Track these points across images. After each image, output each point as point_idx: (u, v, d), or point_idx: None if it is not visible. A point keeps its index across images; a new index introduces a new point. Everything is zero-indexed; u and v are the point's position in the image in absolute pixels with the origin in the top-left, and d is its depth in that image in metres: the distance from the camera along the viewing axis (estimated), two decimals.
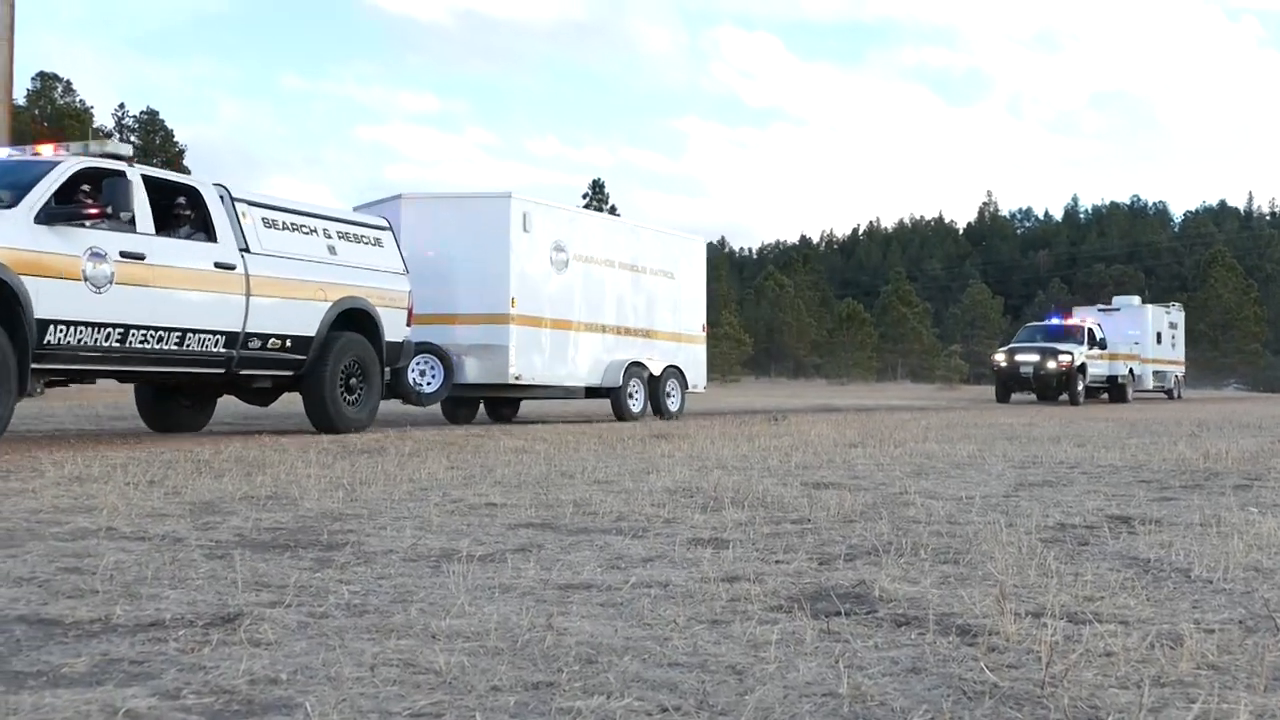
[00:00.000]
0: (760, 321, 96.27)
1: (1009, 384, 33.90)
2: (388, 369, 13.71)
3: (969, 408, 28.52)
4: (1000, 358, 34.54)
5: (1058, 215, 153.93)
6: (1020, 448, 10.81)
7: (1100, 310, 40.70)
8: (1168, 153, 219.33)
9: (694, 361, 20.51)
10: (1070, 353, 33.06)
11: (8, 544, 4.64)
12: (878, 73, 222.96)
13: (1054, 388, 33.19)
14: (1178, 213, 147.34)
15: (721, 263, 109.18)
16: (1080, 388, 33.14)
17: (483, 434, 12.97)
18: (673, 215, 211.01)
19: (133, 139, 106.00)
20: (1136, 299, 42.42)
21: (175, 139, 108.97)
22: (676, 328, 20.14)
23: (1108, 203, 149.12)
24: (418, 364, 15.33)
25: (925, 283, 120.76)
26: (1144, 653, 2.97)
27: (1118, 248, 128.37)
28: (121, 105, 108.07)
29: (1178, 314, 44.88)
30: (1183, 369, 43.78)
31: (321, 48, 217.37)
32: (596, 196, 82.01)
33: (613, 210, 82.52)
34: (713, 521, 5.48)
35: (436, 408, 18.12)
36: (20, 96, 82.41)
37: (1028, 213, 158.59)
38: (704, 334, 20.95)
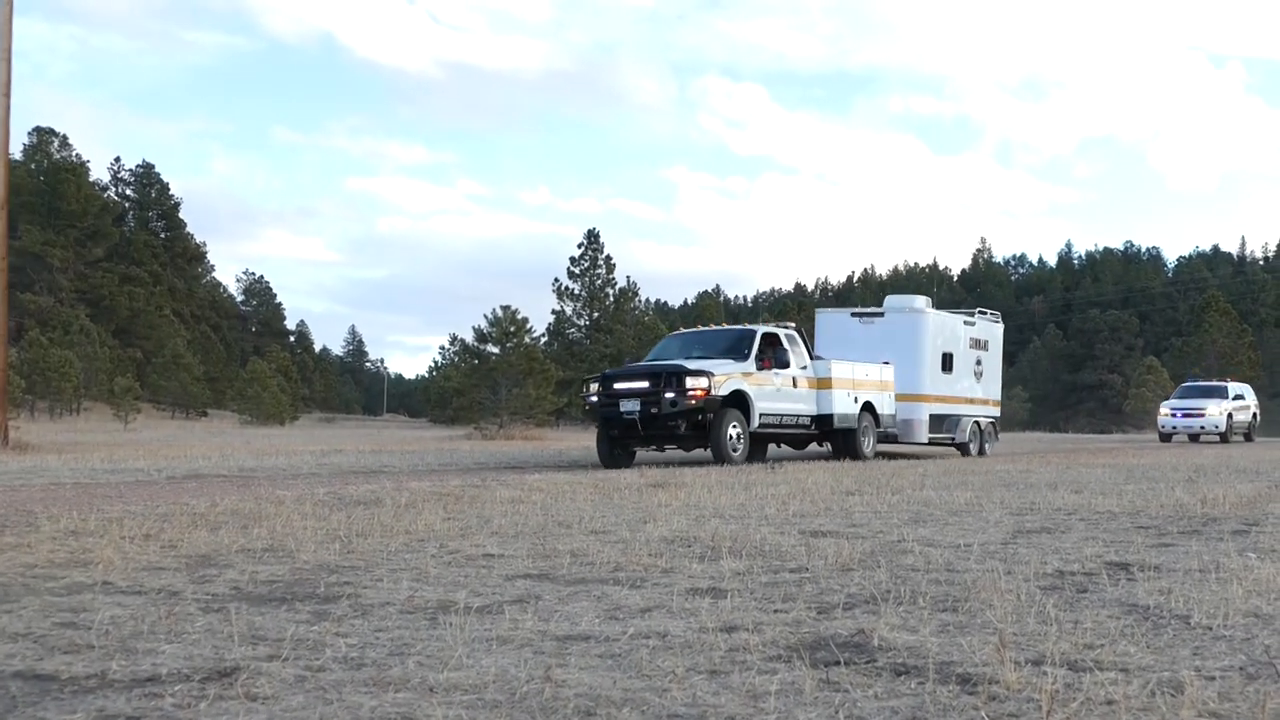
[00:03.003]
0: None
1: (613, 433, 19.63)
2: None
3: (959, 455, 28.44)
4: (594, 389, 20.01)
5: (1052, 261, 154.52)
6: (1017, 494, 10.79)
7: (854, 316, 26.23)
8: (1160, 198, 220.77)
9: None
10: (707, 375, 18.88)
11: (3, 599, 4.62)
12: (866, 122, 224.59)
13: (685, 436, 19.09)
14: (1171, 258, 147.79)
15: (717, 310, 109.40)
16: (733, 433, 18.98)
17: (479, 485, 12.93)
18: (667, 265, 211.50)
19: (129, 191, 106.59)
20: (921, 299, 26.85)
21: (171, 192, 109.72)
22: None
23: (1101, 249, 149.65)
24: None
25: None
26: (1145, 700, 2.96)
27: (1112, 293, 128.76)
28: (117, 159, 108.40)
29: (989, 327, 28.71)
30: (995, 411, 28.94)
31: (312, 101, 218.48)
32: (592, 246, 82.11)
33: (608, 261, 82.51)
34: (710, 571, 5.46)
35: None
36: (17, 151, 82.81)
37: (1022, 259, 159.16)
38: None
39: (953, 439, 26.71)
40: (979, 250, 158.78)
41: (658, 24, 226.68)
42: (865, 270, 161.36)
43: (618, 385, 19.65)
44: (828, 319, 27.00)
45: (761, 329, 21.30)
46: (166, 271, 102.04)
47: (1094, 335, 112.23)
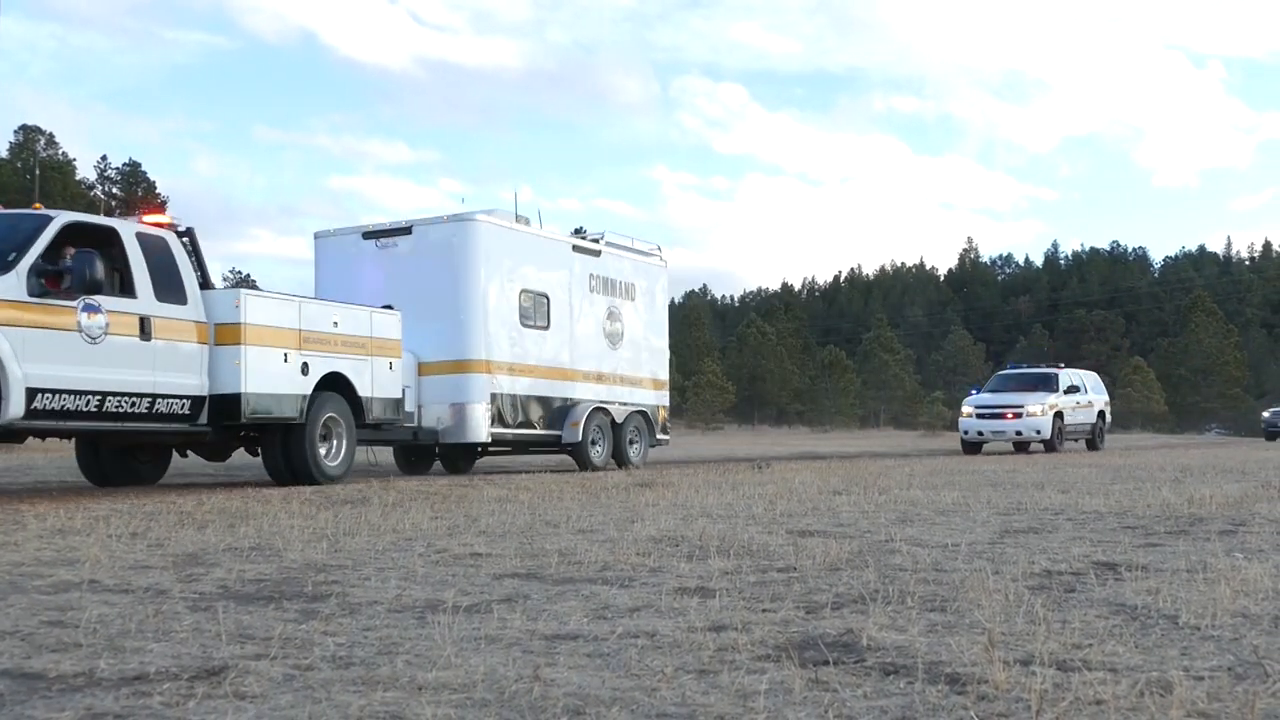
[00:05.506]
0: (743, 369, 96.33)
1: None
2: None
3: (952, 454, 28.44)
4: None
5: (1038, 261, 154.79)
6: (1004, 494, 10.81)
7: (368, 238, 16.81)
8: (1144, 198, 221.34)
9: None
10: None
11: None
12: (848, 121, 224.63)
13: None
14: (1157, 258, 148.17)
15: (704, 310, 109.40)
16: None
17: (466, 484, 12.92)
18: None
19: (116, 190, 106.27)
20: (485, 211, 16.89)
21: (158, 190, 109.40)
22: None
23: (1088, 249, 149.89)
24: None
25: (907, 329, 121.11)
26: (1134, 700, 2.97)
27: (1098, 293, 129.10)
28: (104, 157, 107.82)
29: (636, 265, 19.48)
30: (655, 397, 19.43)
31: (293, 100, 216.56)
32: None
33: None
34: (699, 570, 5.46)
35: None
36: (2, 149, 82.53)
37: (1008, 259, 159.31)
38: None
39: (558, 438, 17.10)
40: (966, 250, 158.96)
41: (638, 23, 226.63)
42: (852, 269, 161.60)
43: None
44: (329, 245, 17.19)
45: (63, 218, 10.79)
46: None
47: (1080, 335, 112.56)
